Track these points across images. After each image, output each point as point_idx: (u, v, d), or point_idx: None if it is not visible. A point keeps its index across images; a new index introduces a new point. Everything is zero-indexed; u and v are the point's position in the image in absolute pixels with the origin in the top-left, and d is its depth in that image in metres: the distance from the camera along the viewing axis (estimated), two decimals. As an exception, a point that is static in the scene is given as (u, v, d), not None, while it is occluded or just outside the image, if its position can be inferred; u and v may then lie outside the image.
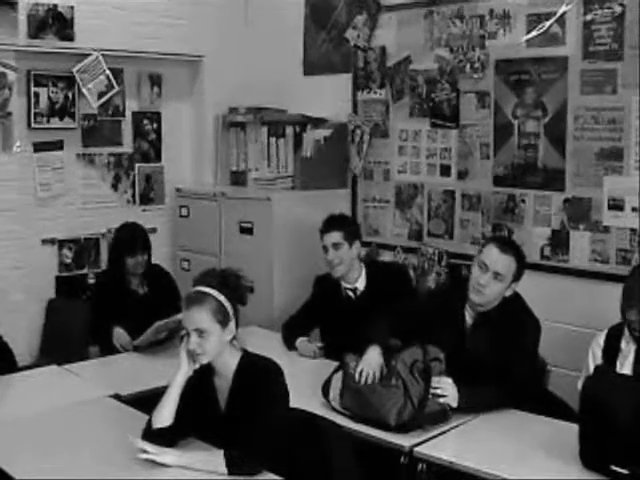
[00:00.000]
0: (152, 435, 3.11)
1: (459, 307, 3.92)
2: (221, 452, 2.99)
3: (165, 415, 3.14)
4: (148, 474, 2.99)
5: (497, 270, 3.75)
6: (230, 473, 2.95)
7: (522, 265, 3.84)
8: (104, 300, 4.82)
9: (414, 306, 4.23)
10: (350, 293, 4.64)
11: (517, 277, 3.81)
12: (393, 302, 4.34)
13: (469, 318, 3.90)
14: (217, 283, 3.15)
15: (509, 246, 3.90)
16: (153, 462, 3.01)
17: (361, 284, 4.63)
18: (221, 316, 3.11)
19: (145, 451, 3.02)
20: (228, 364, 3.17)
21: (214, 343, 3.10)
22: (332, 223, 4.67)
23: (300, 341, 4.58)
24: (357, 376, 3.64)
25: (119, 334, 4.66)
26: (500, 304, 3.83)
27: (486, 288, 3.76)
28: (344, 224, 4.68)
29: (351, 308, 4.59)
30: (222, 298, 3.12)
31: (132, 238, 4.88)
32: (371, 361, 3.70)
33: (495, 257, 3.78)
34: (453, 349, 3.66)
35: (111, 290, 4.85)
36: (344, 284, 4.63)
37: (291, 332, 4.68)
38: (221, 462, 2.95)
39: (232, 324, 3.15)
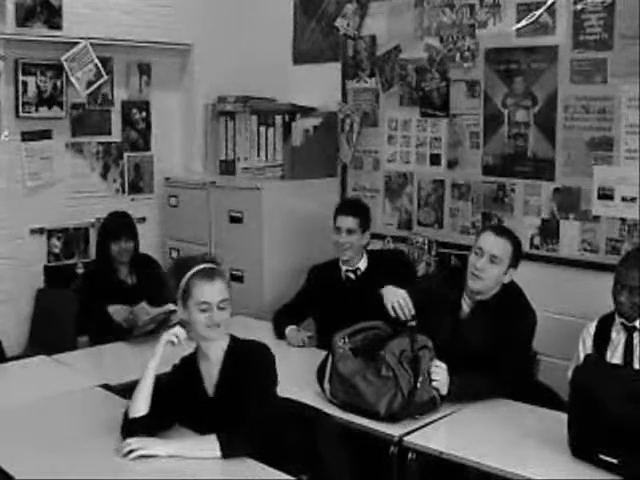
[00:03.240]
0: (129, 425, 3.11)
1: (456, 296, 3.92)
2: (213, 436, 2.99)
3: (140, 404, 3.14)
4: (137, 464, 2.99)
5: (493, 253, 3.78)
6: (224, 456, 2.95)
7: (518, 250, 3.87)
8: (92, 290, 4.81)
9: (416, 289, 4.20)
10: (351, 274, 4.69)
11: (514, 263, 3.83)
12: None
13: (466, 307, 3.91)
14: (215, 261, 3.26)
15: (504, 230, 3.96)
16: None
17: (362, 265, 4.69)
18: (230, 289, 3.20)
19: (132, 450, 3.01)
20: (218, 348, 3.19)
21: (229, 313, 3.17)
22: (351, 207, 4.77)
23: (290, 329, 4.58)
24: (392, 312, 3.75)
25: (115, 310, 4.64)
26: (498, 293, 3.84)
27: (483, 272, 3.78)
28: (361, 212, 4.73)
29: (351, 289, 4.63)
30: (226, 273, 3.26)
31: (117, 225, 4.89)
32: (395, 292, 3.86)
33: (491, 240, 3.82)
34: (449, 338, 3.66)
35: (99, 280, 4.84)
36: (345, 267, 4.70)
37: (282, 320, 4.68)
38: (214, 446, 2.96)
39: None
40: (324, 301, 4.65)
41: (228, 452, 2.96)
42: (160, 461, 2.99)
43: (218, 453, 2.95)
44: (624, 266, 3.66)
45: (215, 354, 3.20)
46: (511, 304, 3.80)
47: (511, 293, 3.85)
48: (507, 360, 3.62)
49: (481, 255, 3.80)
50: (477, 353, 3.64)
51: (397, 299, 3.88)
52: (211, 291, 3.14)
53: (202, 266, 3.19)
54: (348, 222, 4.63)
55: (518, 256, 3.86)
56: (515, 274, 3.88)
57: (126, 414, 3.15)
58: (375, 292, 4.39)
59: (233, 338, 3.24)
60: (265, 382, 3.12)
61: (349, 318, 4.12)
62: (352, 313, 4.23)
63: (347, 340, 3.70)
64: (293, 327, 4.60)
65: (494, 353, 3.61)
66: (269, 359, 3.18)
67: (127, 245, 4.81)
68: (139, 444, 3.02)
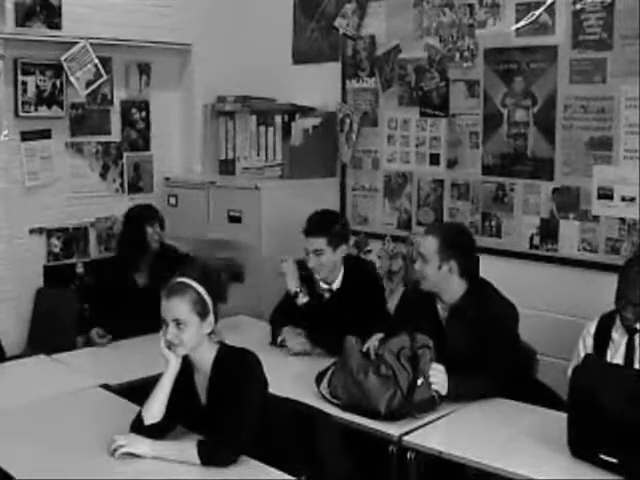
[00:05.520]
0: (142, 429, 3.12)
1: (431, 302, 3.93)
2: (194, 443, 3.00)
3: (156, 410, 3.14)
4: (137, 464, 3.00)
5: (420, 252, 3.88)
6: (203, 464, 2.96)
7: (449, 241, 3.84)
8: (105, 292, 4.78)
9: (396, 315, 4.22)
10: (325, 293, 4.47)
11: (447, 255, 3.82)
12: (362, 303, 4.28)
13: (442, 311, 3.92)
14: (198, 276, 3.16)
15: (435, 227, 4.10)
16: (130, 454, 3.03)
17: (336, 284, 4.44)
18: (200, 308, 3.11)
19: (121, 445, 3.03)
20: (205, 358, 3.18)
21: (192, 335, 3.11)
22: (316, 226, 4.38)
23: (287, 331, 4.37)
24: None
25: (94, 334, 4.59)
26: (466, 295, 3.85)
27: (420, 273, 3.87)
28: (329, 227, 4.36)
29: (327, 305, 4.43)
30: (202, 291, 3.12)
31: (149, 212, 5.00)
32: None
33: (419, 241, 3.96)
34: (434, 343, 3.64)
35: (112, 281, 4.80)
36: (321, 283, 4.46)
37: (277, 323, 4.49)
38: (194, 453, 2.97)
39: (211, 317, 3.15)
40: (307, 306, 4.44)
41: (206, 460, 2.96)
42: (161, 462, 3.00)
43: (197, 460, 2.96)
44: (627, 284, 3.55)
45: (202, 364, 3.18)
46: (487, 302, 3.80)
47: (484, 291, 3.85)
48: (496, 359, 3.61)
49: (417, 257, 3.91)
50: (463, 356, 3.64)
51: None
52: (165, 308, 3.12)
53: (173, 281, 3.16)
54: (314, 244, 4.31)
55: (451, 248, 3.83)
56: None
57: (140, 415, 3.15)
58: (349, 309, 4.24)
59: (222, 346, 3.22)
60: (247, 389, 3.09)
61: (331, 330, 4.05)
62: (332, 327, 4.12)
63: (359, 341, 3.72)
64: (289, 328, 4.38)
65: (481, 354, 3.61)
66: (252, 366, 3.15)
67: (160, 231, 4.94)
68: (125, 441, 3.04)
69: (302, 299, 4.40)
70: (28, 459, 3.07)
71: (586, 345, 3.69)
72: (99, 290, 4.86)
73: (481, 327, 3.69)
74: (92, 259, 5.57)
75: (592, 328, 3.71)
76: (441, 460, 3.19)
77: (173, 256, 5.05)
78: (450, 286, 3.85)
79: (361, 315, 4.16)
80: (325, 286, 4.47)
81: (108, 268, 5.06)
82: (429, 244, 3.84)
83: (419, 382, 3.46)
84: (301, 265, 4.50)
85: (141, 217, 4.95)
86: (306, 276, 4.49)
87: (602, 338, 3.64)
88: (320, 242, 4.32)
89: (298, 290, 4.42)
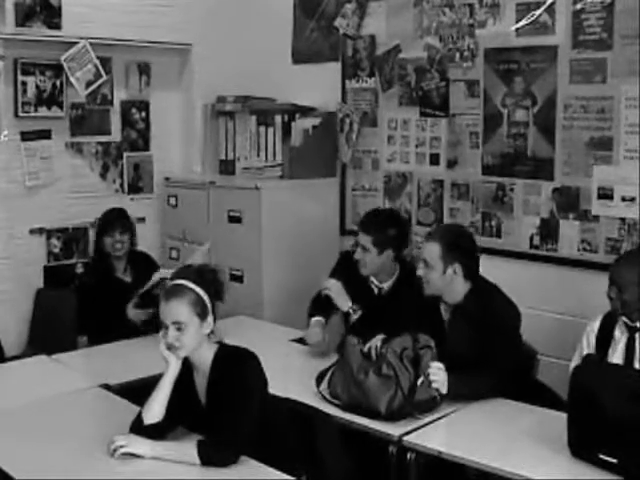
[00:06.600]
0: (142, 430, 3.11)
1: (434, 302, 3.94)
2: (194, 443, 3.00)
3: (156, 411, 3.14)
4: (138, 465, 3.00)
5: (424, 258, 3.87)
6: (203, 464, 2.96)
7: (451, 246, 3.83)
8: (90, 289, 4.82)
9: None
10: (374, 288, 4.44)
11: (451, 259, 3.81)
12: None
13: (445, 312, 3.92)
14: (195, 277, 3.16)
15: (436, 232, 4.03)
16: (130, 454, 3.02)
17: (387, 285, 4.43)
18: (200, 309, 3.11)
19: (121, 446, 3.03)
20: (205, 358, 3.18)
21: (192, 336, 3.11)
22: (365, 222, 4.44)
23: (315, 321, 4.36)
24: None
25: (136, 314, 4.68)
26: (469, 295, 3.85)
27: (425, 279, 3.86)
28: (378, 228, 4.34)
29: (374, 303, 4.37)
30: (200, 291, 3.12)
31: (112, 218, 4.92)
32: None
33: (423, 247, 3.93)
34: (435, 344, 3.64)
35: (97, 279, 4.85)
36: (373, 279, 4.43)
37: (310, 314, 4.45)
38: (194, 453, 2.96)
39: (210, 318, 3.15)
40: (352, 295, 4.36)
41: (206, 461, 2.96)
42: (161, 462, 3.00)
43: (197, 460, 2.96)
44: (615, 264, 3.64)
45: (202, 364, 3.19)
46: (490, 303, 3.79)
47: (484, 292, 3.84)
48: (498, 359, 3.61)
49: (420, 263, 3.90)
50: (464, 356, 3.64)
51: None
52: (164, 311, 3.12)
53: (170, 283, 3.17)
54: (361, 239, 4.34)
55: (453, 251, 3.82)
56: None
57: (140, 415, 3.15)
58: (392, 314, 4.15)
59: (221, 346, 3.22)
60: (246, 389, 3.09)
61: (371, 330, 3.97)
62: (372, 325, 4.01)
63: (361, 341, 3.71)
64: (319, 319, 4.36)
65: (483, 354, 3.61)
66: (251, 365, 3.15)
67: (122, 237, 4.84)
68: (125, 441, 3.04)
69: (354, 316, 4.30)
70: (28, 459, 3.07)
71: (589, 342, 3.69)
72: (85, 292, 4.89)
73: (483, 327, 3.69)
74: (89, 258, 5.57)
75: (596, 326, 3.71)
76: (441, 460, 3.19)
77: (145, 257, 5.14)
78: (454, 288, 3.85)
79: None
80: (376, 282, 4.43)
81: (90, 269, 5.18)
82: (431, 250, 3.83)
83: (419, 382, 3.46)
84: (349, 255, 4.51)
85: (99, 228, 4.99)
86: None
87: (605, 336, 3.65)
88: (365, 239, 4.33)
89: (350, 310, 4.32)
